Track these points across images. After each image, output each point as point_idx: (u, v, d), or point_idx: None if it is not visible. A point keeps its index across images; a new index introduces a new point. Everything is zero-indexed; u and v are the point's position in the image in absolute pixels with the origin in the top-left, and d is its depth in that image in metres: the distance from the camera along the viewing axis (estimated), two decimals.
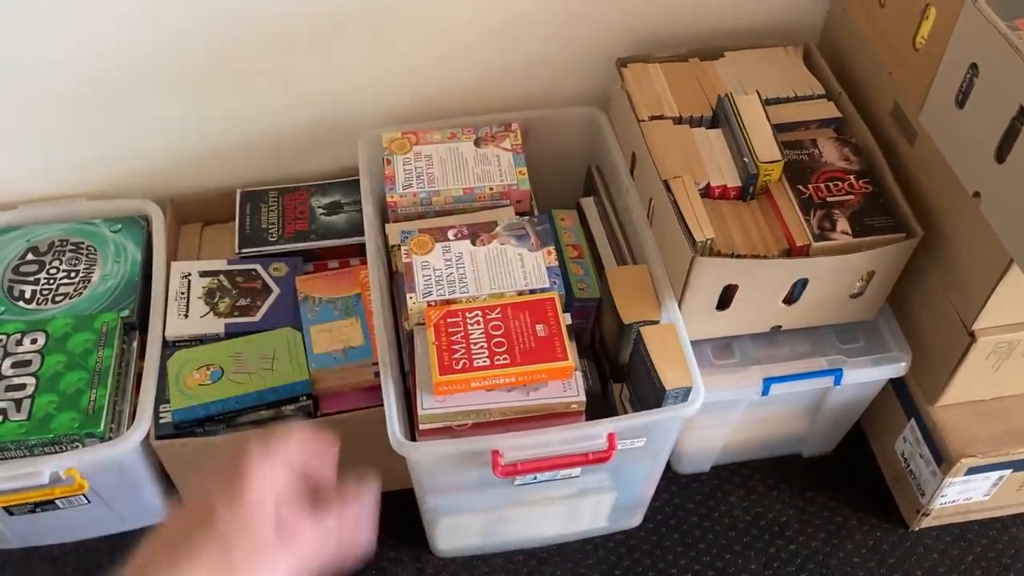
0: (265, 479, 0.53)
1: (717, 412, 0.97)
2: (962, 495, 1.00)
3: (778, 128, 0.94)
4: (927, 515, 1.03)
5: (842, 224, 0.89)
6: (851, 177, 0.93)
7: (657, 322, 0.91)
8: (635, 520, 1.06)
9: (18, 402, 0.92)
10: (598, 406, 0.95)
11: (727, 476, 1.10)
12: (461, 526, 0.99)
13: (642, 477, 0.97)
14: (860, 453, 1.12)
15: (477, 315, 0.87)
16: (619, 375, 0.97)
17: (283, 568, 0.52)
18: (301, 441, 0.56)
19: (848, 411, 1.06)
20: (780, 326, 0.96)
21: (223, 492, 0.53)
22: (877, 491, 1.09)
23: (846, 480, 1.10)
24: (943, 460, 0.96)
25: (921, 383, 0.98)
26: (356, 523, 0.57)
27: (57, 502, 0.95)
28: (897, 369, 0.96)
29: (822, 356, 0.96)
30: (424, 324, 0.88)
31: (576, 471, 0.88)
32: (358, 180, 1.12)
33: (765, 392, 0.94)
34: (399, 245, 0.94)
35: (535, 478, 0.88)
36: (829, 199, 0.91)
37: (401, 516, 1.07)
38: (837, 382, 0.95)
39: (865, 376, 0.95)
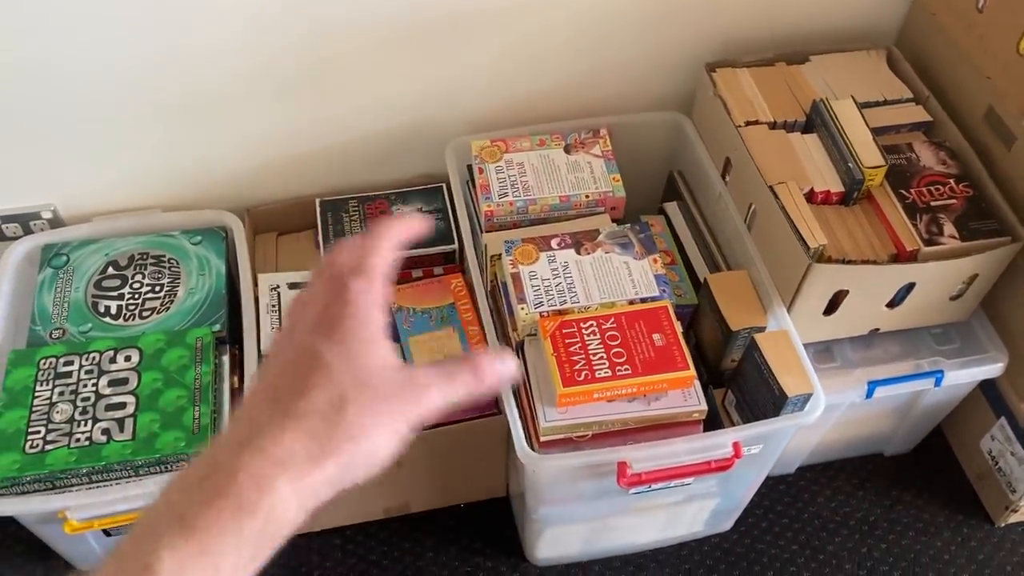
0: (372, 307, 0.43)
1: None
2: None
3: (872, 132, 0.94)
4: (1015, 511, 1.05)
5: (949, 228, 0.89)
6: (951, 181, 0.93)
7: (764, 328, 0.92)
8: (728, 524, 1.06)
9: (120, 421, 0.90)
10: None
11: (813, 477, 1.11)
12: (565, 535, 0.99)
13: (748, 483, 0.97)
14: (940, 451, 1.14)
15: (592, 325, 0.87)
16: (718, 381, 0.98)
17: (406, 422, 0.42)
18: (392, 245, 0.46)
19: (936, 411, 1.07)
20: (878, 329, 0.96)
21: (323, 328, 0.42)
22: (960, 488, 1.11)
23: (929, 478, 1.12)
24: None
25: (1013, 382, 1.00)
26: (486, 370, 0.45)
27: None
28: (994, 369, 0.97)
29: (918, 358, 0.97)
30: (536, 335, 0.88)
31: (690, 480, 0.89)
32: (436, 188, 1.12)
33: (869, 395, 0.95)
34: (500, 255, 0.93)
35: (650, 487, 0.88)
36: (933, 203, 0.91)
37: (494, 525, 1.06)
38: (938, 383, 0.96)
39: (964, 377, 0.97)
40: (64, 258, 1.03)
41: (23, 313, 1.00)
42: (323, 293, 0.44)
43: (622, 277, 0.91)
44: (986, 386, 1.03)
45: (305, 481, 0.40)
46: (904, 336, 0.99)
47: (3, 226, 1.07)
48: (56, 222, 1.08)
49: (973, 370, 0.96)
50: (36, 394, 0.91)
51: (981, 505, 1.09)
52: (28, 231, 1.07)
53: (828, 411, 0.99)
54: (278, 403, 0.41)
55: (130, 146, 1.03)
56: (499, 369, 0.45)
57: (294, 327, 0.45)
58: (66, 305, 0.99)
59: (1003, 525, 1.08)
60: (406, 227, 0.48)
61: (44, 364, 0.93)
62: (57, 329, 0.98)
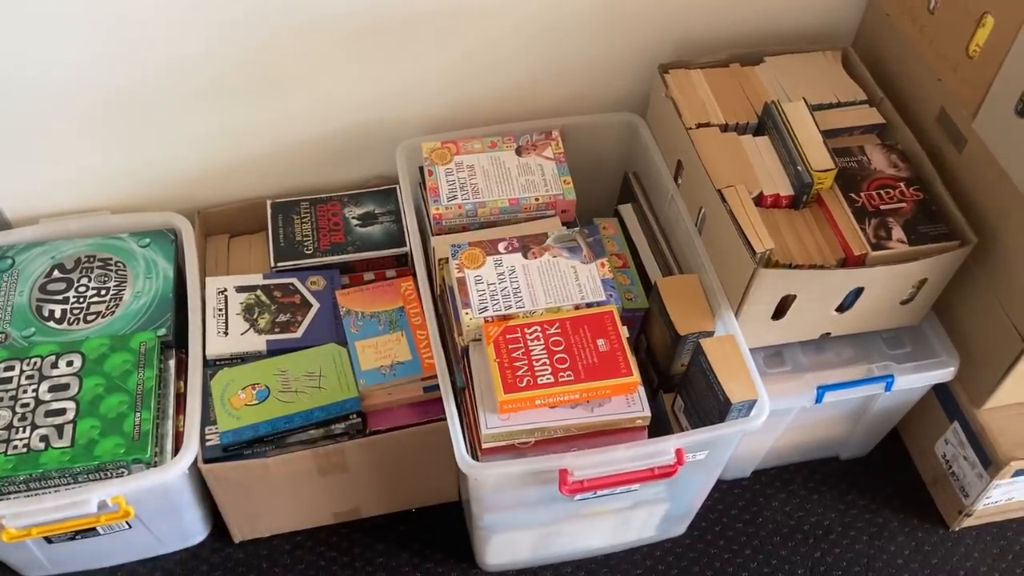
0: None
1: (768, 420, 0.97)
2: (1006, 496, 1.02)
3: (823, 134, 0.94)
4: (969, 515, 1.05)
5: (897, 232, 0.89)
6: (901, 184, 0.93)
7: (712, 333, 0.91)
8: (681, 528, 1.06)
9: (59, 428, 0.89)
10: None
11: (768, 480, 1.11)
12: (514, 541, 0.98)
13: (696, 488, 0.97)
14: (896, 455, 1.13)
15: (536, 330, 0.86)
16: (668, 386, 0.97)
17: None
18: None
19: (890, 415, 1.07)
20: (829, 333, 0.96)
21: None
22: (915, 492, 1.10)
23: (884, 482, 1.11)
24: (991, 463, 0.97)
25: (966, 387, 0.99)
26: None
27: (99, 529, 0.92)
28: (946, 374, 0.96)
29: (870, 362, 0.97)
30: (480, 340, 0.87)
31: (636, 486, 0.88)
32: (390, 190, 1.11)
33: (819, 400, 0.94)
34: (447, 259, 0.92)
35: (595, 493, 0.88)
36: (882, 207, 0.91)
37: (446, 530, 1.06)
38: (888, 388, 0.95)
39: (915, 382, 0.96)
40: (9, 261, 1.02)
41: None
42: None
43: (569, 281, 0.90)
44: (940, 390, 1.03)
45: None
46: (856, 340, 0.98)
47: None
48: (2, 224, 1.06)
49: (924, 375, 0.96)
50: None
51: (936, 509, 1.09)
52: None
53: (778, 416, 0.99)
54: None
55: (79, 147, 1.01)
56: None
57: None
58: (9, 309, 0.98)
59: (957, 530, 1.07)
60: None
61: None
62: (0, 333, 0.96)
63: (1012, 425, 0.97)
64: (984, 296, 0.93)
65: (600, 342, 0.85)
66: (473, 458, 0.82)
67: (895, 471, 1.12)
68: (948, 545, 1.06)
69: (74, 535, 0.93)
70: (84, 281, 1.01)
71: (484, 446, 0.83)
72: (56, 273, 1.01)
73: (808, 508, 1.09)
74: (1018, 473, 0.97)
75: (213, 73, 0.97)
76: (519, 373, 0.83)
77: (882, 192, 0.92)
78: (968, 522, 1.06)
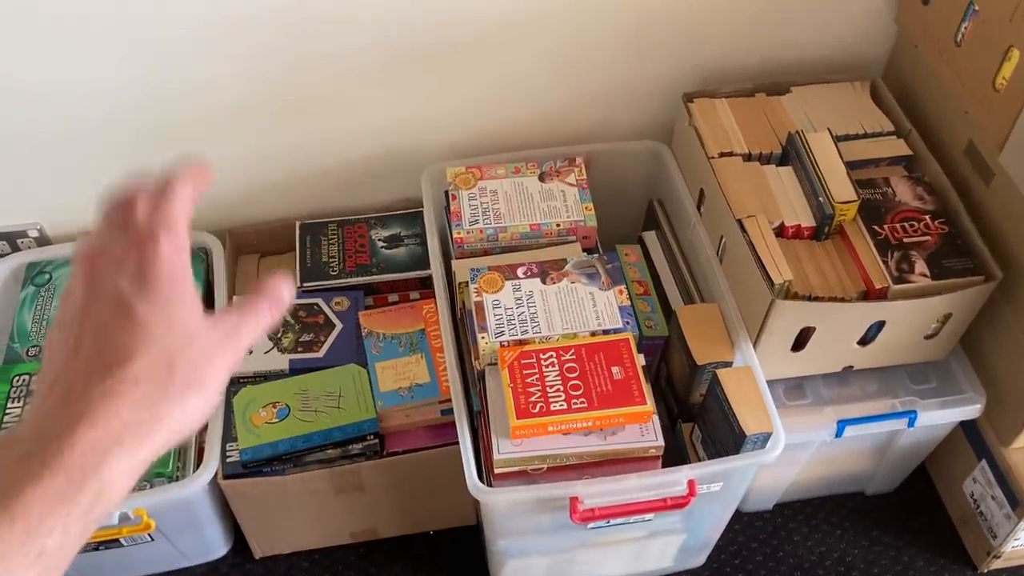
0: (185, 265, 0.42)
1: (788, 452, 0.95)
2: None
3: (848, 165, 0.93)
4: (997, 557, 1.02)
5: (920, 266, 0.87)
6: (926, 217, 0.91)
7: (731, 363, 0.90)
8: (700, 560, 1.05)
9: None
10: (667, 447, 0.94)
11: (791, 514, 1.09)
12: (528, 567, 0.98)
13: (713, 520, 0.96)
14: (924, 491, 1.11)
15: (551, 356, 0.86)
16: (688, 414, 0.96)
17: (230, 367, 0.42)
18: (190, 195, 0.45)
19: (916, 451, 1.05)
20: (852, 366, 0.94)
21: (135, 285, 0.40)
22: (943, 531, 1.08)
23: (910, 519, 1.09)
24: (1019, 503, 0.94)
25: (994, 424, 0.97)
26: (280, 291, 0.45)
27: (122, 540, 0.94)
28: (972, 411, 0.94)
29: (894, 397, 0.95)
30: (496, 364, 0.87)
31: (650, 516, 0.87)
32: (417, 212, 1.12)
33: (839, 434, 0.93)
34: (467, 282, 0.93)
35: (608, 522, 0.87)
36: (905, 240, 0.90)
37: (463, 554, 1.06)
38: (911, 424, 0.94)
39: (939, 418, 0.94)
40: (47, 276, 1.05)
41: (3, 330, 1.02)
42: (126, 247, 0.42)
43: (586, 308, 0.90)
44: (968, 427, 1.01)
45: (140, 451, 0.38)
46: (881, 374, 0.97)
47: None
48: (43, 240, 1.10)
49: (949, 411, 0.94)
50: (7, 411, 0.93)
51: (964, 550, 1.06)
52: (15, 249, 1.10)
53: (799, 449, 0.98)
54: (95, 366, 0.39)
55: (116, 167, 1.03)
56: (283, 289, 0.45)
57: (94, 279, 0.41)
58: (45, 323, 1.01)
59: (985, 571, 1.04)
60: (197, 175, 0.46)
61: (17, 381, 0.95)
62: (34, 347, 0.99)
63: None
64: (1012, 332, 0.91)
65: (615, 370, 0.85)
66: (486, 483, 0.83)
67: (922, 509, 1.10)
68: None
69: (98, 546, 0.95)
70: None
71: (496, 471, 0.83)
72: None
73: (831, 543, 1.07)
74: None
75: (248, 100, 1.00)
76: (532, 399, 0.83)
77: (906, 225, 0.91)
78: (996, 564, 1.03)
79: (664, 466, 0.85)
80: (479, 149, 1.10)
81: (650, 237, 1.07)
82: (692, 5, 1.02)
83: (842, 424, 0.93)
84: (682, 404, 0.96)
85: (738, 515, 1.09)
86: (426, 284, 1.08)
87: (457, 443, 0.93)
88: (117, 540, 0.93)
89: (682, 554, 1.01)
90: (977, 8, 0.88)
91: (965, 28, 0.90)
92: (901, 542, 1.07)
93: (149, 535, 0.94)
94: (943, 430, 1.01)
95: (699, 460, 0.93)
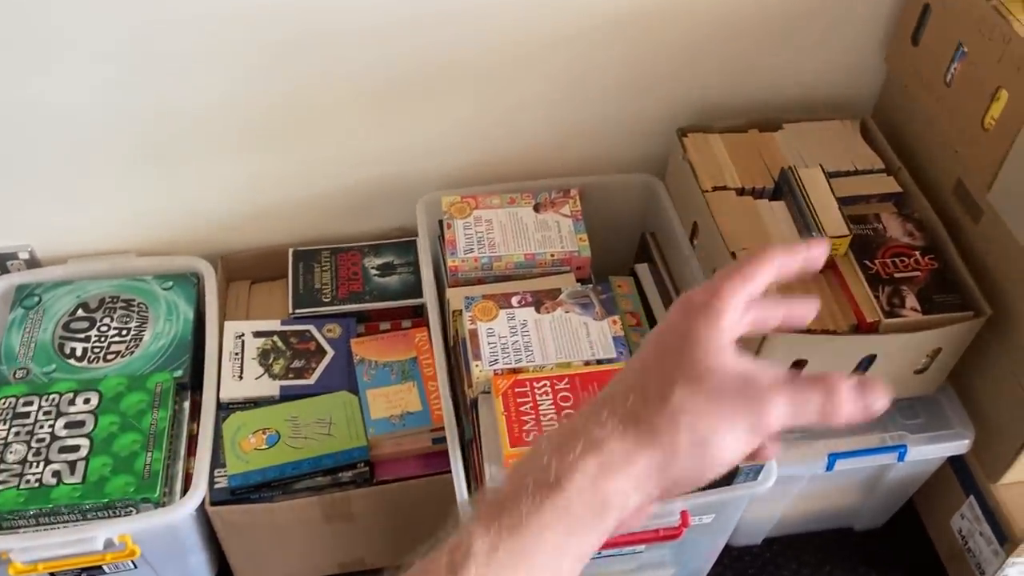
0: (713, 340, 0.44)
1: (779, 486, 0.95)
2: (1022, 575, 0.99)
3: (840, 201, 0.94)
4: None
5: (911, 301, 0.88)
6: (916, 253, 0.93)
7: None
8: None
9: (72, 464, 0.90)
10: None
11: (779, 549, 1.09)
12: None
13: (703, 553, 0.95)
14: (912, 527, 1.11)
15: (545, 385, 0.86)
16: None
17: (747, 425, 0.43)
18: (754, 284, 0.45)
19: (905, 486, 1.05)
20: None
21: (673, 362, 0.43)
22: (931, 567, 1.08)
23: (899, 555, 1.09)
24: (1007, 539, 0.95)
25: (982, 460, 0.97)
26: (842, 400, 0.43)
27: (104, 568, 0.92)
28: (960, 446, 0.95)
29: (883, 431, 0.96)
30: (489, 392, 0.87)
31: (641, 547, 0.87)
32: (410, 241, 1.12)
33: (830, 467, 0.93)
34: (461, 311, 0.93)
35: (599, 553, 0.87)
36: (896, 275, 0.91)
37: None
38: (901, 458, 0.94)
39: (928, 453, 0.95)
40: (36, 298, 1.04)
41: None
42: (676, 323, 0.46)
43: (580, 337, 0.91)
44: (956, 463, 1.01)
45: (641, 482, 0.43)
46: None
47: None
48: (33, 263, 1.09)
49: (938, 446, 0.94)
50: None
51: None
52: (5, 270, 1.09)
53: (789, 482, 0.98)
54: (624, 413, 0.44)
55: (108, 190, 1.04)
56: (859, 403, 0.43)
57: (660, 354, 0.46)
58: (32, 345, 1.00)
59: None
60: (777, 265, 0.47)
61: (3, 404, 0.94)
62: (21, 369, 0.98)
63: None
64: (1001, 369, 0.92)
65: None
66: None
67: (910, 545, 1.10)
68: None
69: (80, 572, 0.93)
70: (107, 321, 1.03)
71: None
72: (80, 312, 1.03)
73: None
74: None
75: (242, 125, 1.01)
76: (526, 427, 0.83)
77: (897, 260, 0.92)
78: None
79: None
80: (474, 179, 1.11)
81: (642, 269, 1.08)
82: (687, 44, 1.03)
83: (833, 457, 0.93)
84: None
85: (727, 550, 1.08)
86: (418, 313, 1.08)
87: (448, 472, 0.92)
88: (100, 567, 0.92)
89: None
90: (966, 50, 0.90)
91: (954, 69, 0.92)
92: None
93: (132, 562, 0.92)
94: (931, 465, 1.01)
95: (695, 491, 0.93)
